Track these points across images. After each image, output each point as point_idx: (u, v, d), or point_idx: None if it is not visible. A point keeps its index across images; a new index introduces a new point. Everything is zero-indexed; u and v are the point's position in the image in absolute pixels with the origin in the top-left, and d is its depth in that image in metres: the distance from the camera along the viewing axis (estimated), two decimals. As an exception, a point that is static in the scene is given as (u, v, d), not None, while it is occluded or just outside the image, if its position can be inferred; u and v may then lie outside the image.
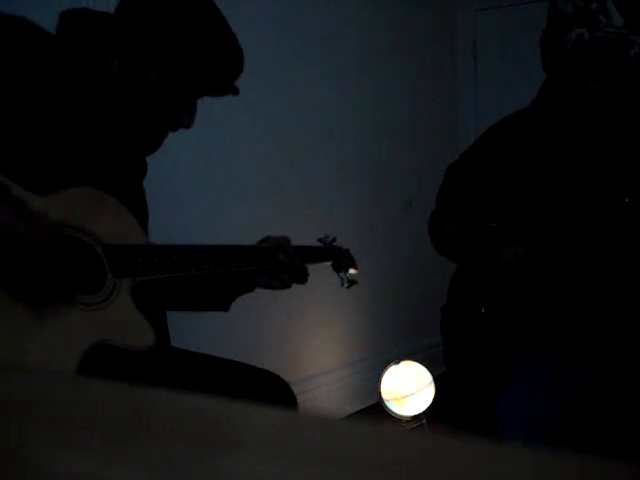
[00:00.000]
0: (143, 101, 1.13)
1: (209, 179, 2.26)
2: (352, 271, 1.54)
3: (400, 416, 2.52)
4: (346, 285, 1.52)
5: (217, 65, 1.15)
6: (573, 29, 1.34)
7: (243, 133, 2.35)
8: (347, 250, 1.56)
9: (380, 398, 2.55)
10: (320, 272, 2.59)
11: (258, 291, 1.40)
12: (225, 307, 1.40)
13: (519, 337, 1.47)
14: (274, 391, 1.26)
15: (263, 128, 2.41)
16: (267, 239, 1.37)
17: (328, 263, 1.52)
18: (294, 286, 1.40)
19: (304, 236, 1.51)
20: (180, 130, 1.20)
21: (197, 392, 0.29)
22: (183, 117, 1.17)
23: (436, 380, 2.55)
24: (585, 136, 1.46)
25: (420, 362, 2.59)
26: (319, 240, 1.53)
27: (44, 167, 1.06)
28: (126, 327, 1.08)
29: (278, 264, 1.33)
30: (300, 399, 1.36)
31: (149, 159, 1.31)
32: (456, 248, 1.60)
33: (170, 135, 1.21)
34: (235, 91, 1.21)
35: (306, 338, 2.61)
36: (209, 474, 0.23)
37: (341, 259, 1.53)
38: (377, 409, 2.59)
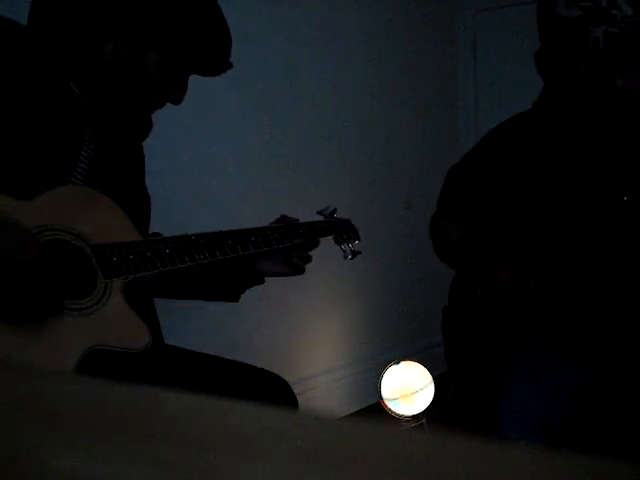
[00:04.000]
0: (140, 85, 1.12)
1: (204, 178, 2.26)
2: (355, 241, 1.49)
3: (400, 416, 2.53)
4: (349, 257, 1.48)
5: (212, 39, 1.14)
6: (591, 30, 1.32)
7: (241, 132, 2.35)
8: (348, 220, 1.51)
9: (380, 398, 2.55)
10: (320, 272, 2.59)
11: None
12: (234, 298, 1.38)
13: (519, 338, 1.47)
14: (274, 391, 1.25)
15: (262, 128, 2.41)
16: (281, 219, 1.35)
17: (329, 237, 1.47)
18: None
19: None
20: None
21: (197, 392, 0.29)
22: (174, 94, 1.17)
23: (436, 380, 2.55)
24: (584, 136, 1.46)
25: (420, 362, 2.59)
26: (319, 212, 1.49)
27: (27, 168, 1.03)
28: (120, 329, 1.06)
29: (289, 245, 1.30)
30: (300, 399, 1.36)
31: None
32: (454, 257, 1.60)
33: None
34: (230, 66, 1.20)
35: (306, 338, 2.61)
36: (209, 474, 0.23)
37: (342, 231, 1.48)
38: (377, 409, 2.59)
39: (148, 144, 1.29)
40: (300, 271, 1.36)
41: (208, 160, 2.25)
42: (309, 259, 1.37)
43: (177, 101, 1.18)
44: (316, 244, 1.37)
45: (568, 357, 1.42)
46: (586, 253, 1.44)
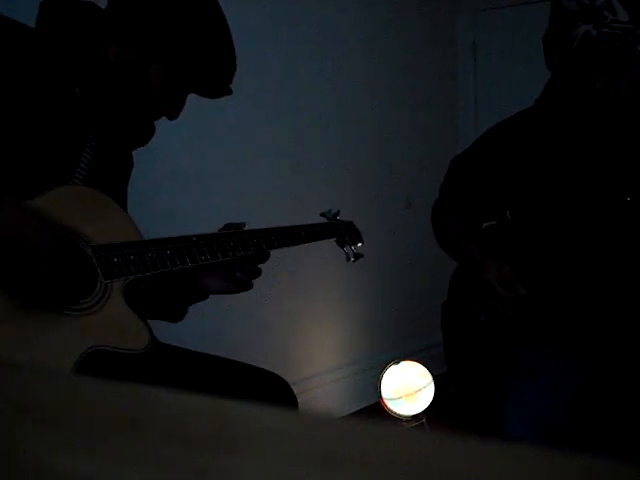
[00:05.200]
0: (138, 93, 1.12)
1: (203, 179, 2.26)
2: (358, 244, 1.47)
3: (400, 416, 2.53)
4: (352, 260, 1.47)
5: (217, 64, 1.15)
6: (579, 26, 1.32)
7: (241, 130, 2.35)
8: (351, 222, 1.50)
9: (380, 398, 2.55)
10: (320, 272, 2.59)
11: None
12: (177, 317, 1.32)
13: (521, 337, 1.47)
14: (274, 391, 1.25)
15: (262, 127, 2.41)
16: (228, 226, 1.27)
17: (332, 240, 1.45)
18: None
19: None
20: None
21: (197, 392, 0.29)
22: (170, 110, 1.16)
23: (436, 380, 2.55)
24: (588, 135, 1.46)
25: (420, 362, 2.59)
26: (322, 214, 1.47)
27: (28, 168, 1.03)
28: (120, 330, 1.05)
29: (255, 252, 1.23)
30: (300, 399, 1.36)
31: (141, 152, 1.29)
32: (451, 246, 1.61)
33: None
34: (229, 92, 1.21)
35: (306, 338, 2.61)
36: (209, 474, 0.23)
37: (345, 233, 1.47)
38: (377, 409, 2.59)
39: (147, 146, 1.28)
40: (245, 287, 1.27)
41: (207, 161, 2.25)
42: (257, 273, 1.27)
43: (172, 117, 1.18)
44: (266, 257, 1.26)
45: (570, 357, 1.42)
46: (588, 253, 1.44)
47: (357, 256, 1.47)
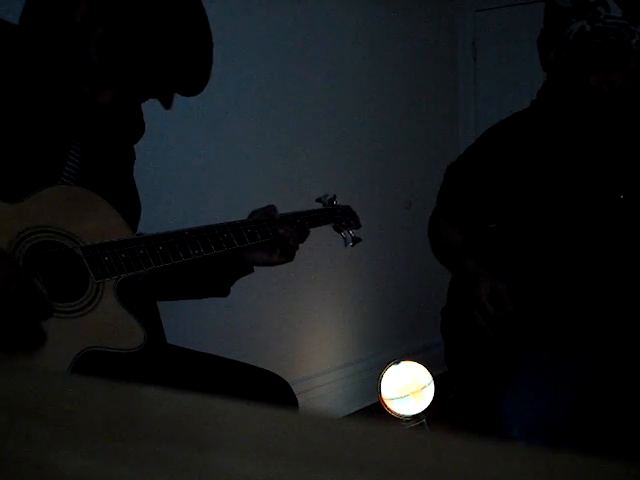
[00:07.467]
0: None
1: (206, 172, 2.26)
2: (356, 228, 1.46)
3: (400, 416, 2.53)
4: (350, 244, 1.45)
5: (191, 62, 1.11)
6: (573, 22, 1.32)
7: (242, 129, 2.35)
8: (348, 207, 1.48)
9: (380, 398, 2.55)
10: (320, 271, 2.59)
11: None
12: (224, 292, 1.34)
13: (520, 338, 1.47)
14: (274, 391, 1.25)
15: (262, 126, 2.41)
16: (253, 213, 1.31)
17: (329, 225, 1.44)
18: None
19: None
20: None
21: (197, 391, 0.29)
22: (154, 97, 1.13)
23: (436, 380, 2.55)
24: (583, 133, 1.46)
25: (420, 362, 2.59)
26: (318, 200, 1.46)
27: (15, 170, 1.01)
28: (113, 329, 1.03)
29: (274, 236, 1.27)
30: (300, 399, 1.36)
31: (144, 152, 1.28)
32: (448, 259, 1.60)
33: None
34: (199, 91, 1.16)
35: (306, 338, 2.61)
36: (208, 474, 0.23)
37: (342, 218, 1.45)
38: (377, 409, 2.59)
39: (143, 139, 1.27)
40: (290, 258, 1.31)
41: (209, 157, 2.25)
42: (296, 247, 1.31)
43: (167, 106, 1.15)
44: (305, 234, 1.33)
45: (569, 357, 1.42)
46: (584, 252, 1.44)
47: (355, 240, 1.44)
